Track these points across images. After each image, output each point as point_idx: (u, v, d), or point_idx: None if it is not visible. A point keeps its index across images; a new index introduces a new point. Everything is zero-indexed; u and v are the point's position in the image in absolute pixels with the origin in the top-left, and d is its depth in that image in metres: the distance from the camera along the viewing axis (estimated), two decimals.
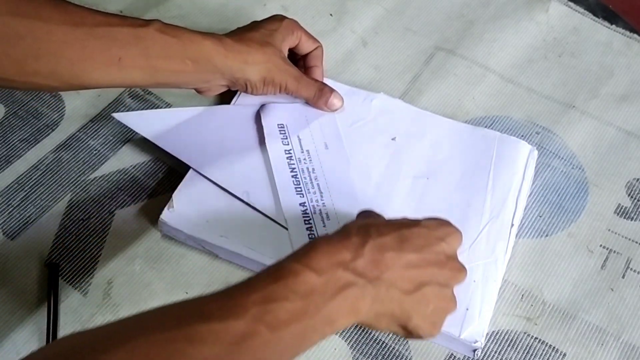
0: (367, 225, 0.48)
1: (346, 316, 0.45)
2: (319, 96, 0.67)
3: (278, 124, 0.66)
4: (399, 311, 0.47)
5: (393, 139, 0.66)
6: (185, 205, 0.61)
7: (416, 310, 0.48)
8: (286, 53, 0.66)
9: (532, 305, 0.61)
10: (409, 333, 0.49)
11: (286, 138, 0.65)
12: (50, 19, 0.53)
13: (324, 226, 0.60)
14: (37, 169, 0.66)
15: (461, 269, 0.51)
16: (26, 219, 0.63)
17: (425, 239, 0.49)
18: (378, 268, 0.46)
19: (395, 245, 0.47)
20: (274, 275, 0.43)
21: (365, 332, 0.59)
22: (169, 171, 0.67)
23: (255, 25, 0.65)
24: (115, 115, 0.66)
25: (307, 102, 0.67)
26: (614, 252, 0.64)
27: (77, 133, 0.69)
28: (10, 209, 0.64)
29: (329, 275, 0.44)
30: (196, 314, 0.40)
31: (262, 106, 0.67)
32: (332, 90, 0.67)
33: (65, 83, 0.57)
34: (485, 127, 0.70)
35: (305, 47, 0.68)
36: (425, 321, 0.48)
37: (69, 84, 0.58)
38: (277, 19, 0.66)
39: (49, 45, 0.53)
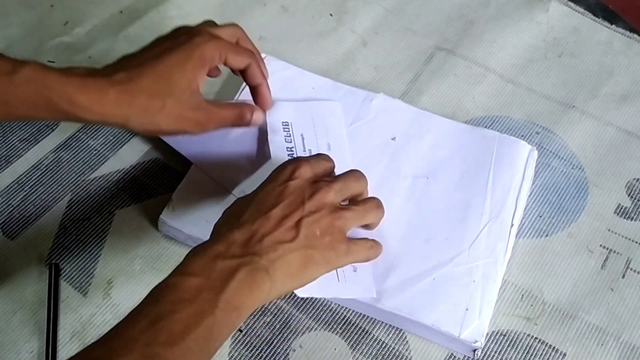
0: (228, 214, 0.50)
1: (249, 296, 0.46)
2: (238, 122, 0.60)
3: (282, 122, 0.65)
4: (304, 259, 0.49)
5: (393, 139, 0.66)
6: (185, 205, 0.61)
7: (315, 245, 0.50)
8: (200, 82, 0.56)
9: (532, 305, 0.61)
10: (330, 266, 0.52)
11: (289, 136, 0.65)
12: None
13: None
14: (37, 169, 0.66)
15: (318, 189, 0.52)
16: (26, 219, 0.63)
17: (276, 193, 0.51)
18: (253, 239, 0.48)
19: (255, 214, 0.49)
20: (154, 297, 0.44)
21: (365, 332, 0.59)
22: (169, 171, 0.67)
23: (157, 57, 0.55)
24: None
25: None
26: (614, 252, 0.64)
27: (77, 133, 0.69)
28: (10, 209, 0.64)
29: (208, 271, 0.45)
30: None
31: None
32: (250, 109, 0.60)
33: None
34: (485, 127, 0.70)
35: (233, 65, 0.59)
36: (337, 248, 0.51)
37: None
38: (193, 43, 0.55)
39: None
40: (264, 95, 0.62)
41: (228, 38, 0.59)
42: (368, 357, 0.58)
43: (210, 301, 0.44)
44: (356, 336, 0.58)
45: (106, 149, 0.68)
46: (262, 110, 0.62)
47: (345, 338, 0.58)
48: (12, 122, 0.55)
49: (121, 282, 0.60)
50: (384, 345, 0.58)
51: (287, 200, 0.51)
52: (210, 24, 0.61)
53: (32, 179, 0.66)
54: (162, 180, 0.66)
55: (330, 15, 0.80)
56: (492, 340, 0.59)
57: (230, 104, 0.61)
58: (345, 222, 0.53)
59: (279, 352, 0.57)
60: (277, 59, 0.71)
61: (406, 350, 0.58)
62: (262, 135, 0.65)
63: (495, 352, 0.58)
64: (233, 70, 0.62)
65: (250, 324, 0.59)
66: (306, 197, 0.51)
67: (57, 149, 0.68)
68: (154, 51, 0.55)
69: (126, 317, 0.43)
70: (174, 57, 0.54)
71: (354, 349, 0.58)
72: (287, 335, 0.58)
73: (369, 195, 0.58)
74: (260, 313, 0.59)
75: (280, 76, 0.68)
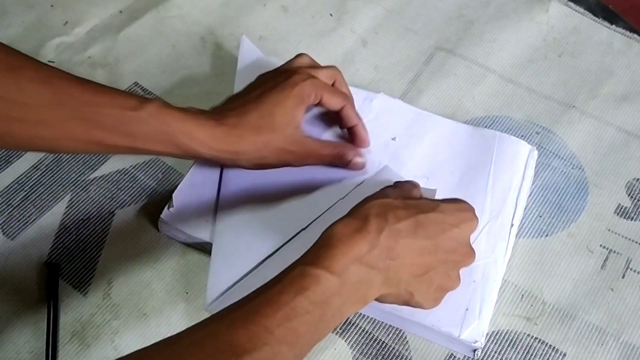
0: (386, 207, 0.50)
1: (354, 306, 0.47)
2: (336, 162, 0.62)
3: None
4: (404, 292, 0.50)
5: (393, 139, 0.66)
6: (185, 205, 0.61)
7: (420, 290, 0.51)
8: (300, 119, 0.59)
9: (532, 305, 0.61)
10: (408, 304, 0.52)
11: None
12: (32, 99, 0.50)
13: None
14: (37, 169, 0.66)
15: (470, 254, 0.53)
16: (26, 219, 0.63)
17: (440, 225, 0.51)
18: (390, 256, 0.48)
19: (410, 231, 0.49)
20: (297, 285, 0.45)
21: (365, 332, 0.59)
22: (169, 171, 0.67)
23: (260, 96, 0.58)
24: None
25: None
26: (614, 252, 0.64)
27: None
28: (10, 209, 0.64)
29: (346, 273, 0.46)
30: (229, 350, 0.41)
31: None
32: (354, 152, 0.62)
33: (39, 150, 0.62)
34: (485, 127, 0.70)
35: (329, 105, 0.61)
36: (427, 299, 0.52)
37: (43, 151, 0.64)
38: (292, 82, 0.59)
39: (25, 123, 0.50)
40: (361, 135, 0.63)
41: (325, 79, 0.61)
42: (368, 357, 0.58)
43: (333, 309, 0.45)
44: (356, 336, 0.58)
45: None
46: (361, 156, 0.63)
47: (345, 338, 0.58)
48: (135, 155, 0.59)
49: (121, 282, 0.60)
50: (384, 345, 0.58)
51: (440, 242, 0.51)
52: (308, 61, 0.64)
53: (32, 179, 0.66)
54: (162, 180, 0.66)
55: (330, 15, 0.80)
56: (492, 340, 0.59)
57: (332, 143, 0.63)
58: (452, 285, 0.54)
59: None
60: (278, 59, 0.71)
61: (406, 350, 0.58)
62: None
63: (495, 352, 0.58)
64: (329, 111, 0.63)
65: None
66: (454, 253, 0.52)
67: None
68: (256, 91, 0.59)
69: (260, 297, 0.44)
70: (275, 96, 0.58)
71: (353, 349, 0.58)
72: None
73: None
74: None
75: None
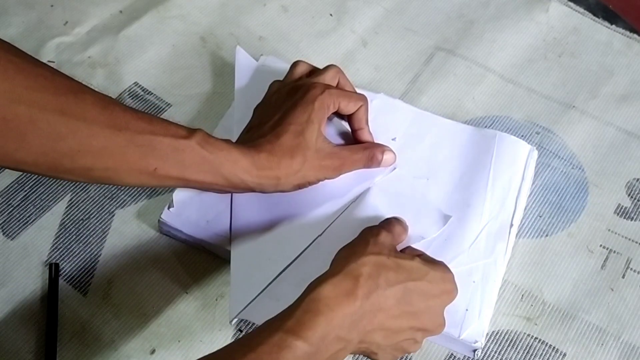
0: (379, 268, 0.48)
1: None
2: (369, 164, 0.63)
3: None
4: (368, 350, 0.50)
5: (393, 139, 0.66)
6: (185, 205, 0.61)
7: (384, 351, 0.51)
8: (324, 130, 0.61)
9: (532, 305, 0.61)
10: (365, 355, 0.52)
11: None
12: (94, 121, 0.51)
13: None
14: None
15: (441, 325, 0.52)
16: (26, 219, 0.63)
17: (425, 295, 0.50)
18: (370, 323, 0.48)
19: (396, 299, 0.49)
20: (274, 356, 0.43)
21: None
22: None
23: (284, 118, 0.59)
24: None
25: None
26: (614, 252, 0.64)
27: None
28: (10, 209, 0.64)
29: (324, 344, 0.45)
30: None
31: None
32: (381, 149, 0.63)
33: (94, 182, 0.61)
34: (485, 127, 0.70)
35: (346, 110, 0.62)
36: (386, 357, 0.51)
37: (98, 183, 0.63)
38: (310, 97, 0.59)
39: (89, 149, 0.51)
40: (366, 137, 0.63)
41: (330, 81, 0.62)
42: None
43: None
44: None
45: None
46: (391, 152, 0.63)
47: None
48: (182, 187, 0.60)
49: (121, 282, 0.60)
50: None
51: (420, 315, 0.51)
52: (306, 68, 0.64)
53: (32, 179, 0.66)
54: None
55: (330, 15, 0.80)
56: (492, 340, 0.59)
57: (360, 147, 0.63)
58: (413, 348, 0.54)
59: None
60: (278, 59, 0.71)
61: None
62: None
63: (495, 352, 0.58)
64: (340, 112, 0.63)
65: (251, 324, 0.59)
66: (427, 323, 0.52)
67: None
68: (278, 113, 0.60)
69: (236, 350, 0.44)
70: (299, 114, 0.58)
71: None
72: None
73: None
74: None
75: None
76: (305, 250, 0.58)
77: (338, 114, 0.63)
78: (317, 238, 0.59)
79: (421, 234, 0.59)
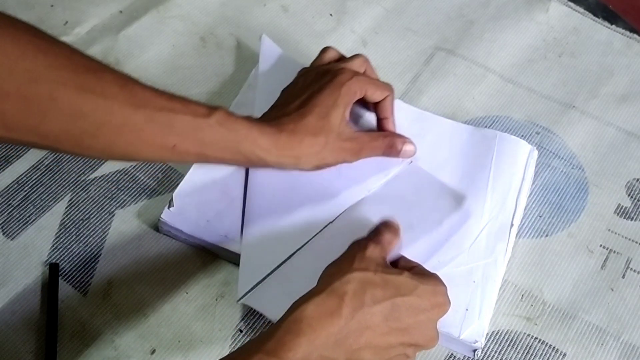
0: (364, 286, 0.47)
1: None
2: (388, 152, 0.63)
3: None
4: None
5: None
6: (185, 205, 0.61)
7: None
8: (348, 115, 0.61)
9: (532, 305, 0.61)
10: None
11: None
12: (114, 99, 0.51)
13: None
14: (37, 169, 0.66)
15: (434, 338, 0.51)
16: (26, 219, 0.63)
17: (414, 310, 0.49)
18: (356, 342, 0.46)
19: (383, 316, 0.47)
20: None
21: None
22: (169, 171, 0.67)
23: (311, 100, 0.59)
24: None
25: None
26: (614, 252, 0.64)
27: None
28: (10, 209, 0.64)
29: None
30: None
31: None
32: (402, 140, 0.63)
33: (115, 158, 0.61)
34: (485, 127, 0.70)
35: (372, 98, 0.62)
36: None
37: (118, 159, 0.64)
38: (338, 81, 0.60)
39: (109, 126, 0.51)
40: (390, 128, 0.64)
41: (358, 68, 0.63)
42: None
43: None
44: None
45: None
46: (411, 143, 0.63)
47: None
48: (203, 163, 0.60)
49: (121, 282, 0.60)
50: None
51: (409, 330, 0.49)
52: (336, 54, 0.65)
53: (32, 179, 0.66)
54: (162, 180, 0.66)
55: (330, 15, 0.80)
56: (492, 340, 0.59)
57: (381, 134, 0.63)
58: None
59: None
60: (276, 59, 0.71)
61: None
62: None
63: (495, 352, 0.58)
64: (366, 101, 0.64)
65: (251, 324, 0.59)
66: (418, 337, 0.50)
67: None
68: (304, 94, 0.60)
69: None
70: (326, 97, 0.59)
71: None
72: None
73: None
74: (260, 313, 0.59)
75: (280, 76, 0.68)
76: (314, 237, 0.59)
77: (363, 103, 0.63)
78: (328, 224, 0.60)
79: (419, 234, 0.59)
